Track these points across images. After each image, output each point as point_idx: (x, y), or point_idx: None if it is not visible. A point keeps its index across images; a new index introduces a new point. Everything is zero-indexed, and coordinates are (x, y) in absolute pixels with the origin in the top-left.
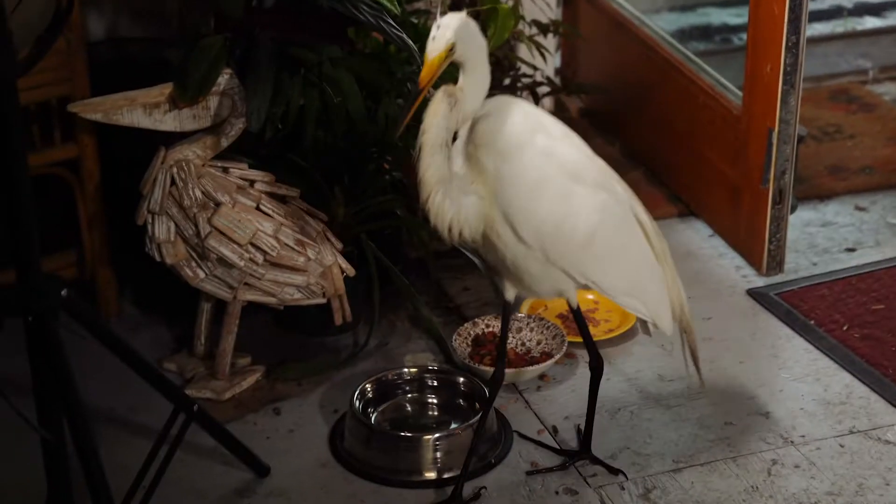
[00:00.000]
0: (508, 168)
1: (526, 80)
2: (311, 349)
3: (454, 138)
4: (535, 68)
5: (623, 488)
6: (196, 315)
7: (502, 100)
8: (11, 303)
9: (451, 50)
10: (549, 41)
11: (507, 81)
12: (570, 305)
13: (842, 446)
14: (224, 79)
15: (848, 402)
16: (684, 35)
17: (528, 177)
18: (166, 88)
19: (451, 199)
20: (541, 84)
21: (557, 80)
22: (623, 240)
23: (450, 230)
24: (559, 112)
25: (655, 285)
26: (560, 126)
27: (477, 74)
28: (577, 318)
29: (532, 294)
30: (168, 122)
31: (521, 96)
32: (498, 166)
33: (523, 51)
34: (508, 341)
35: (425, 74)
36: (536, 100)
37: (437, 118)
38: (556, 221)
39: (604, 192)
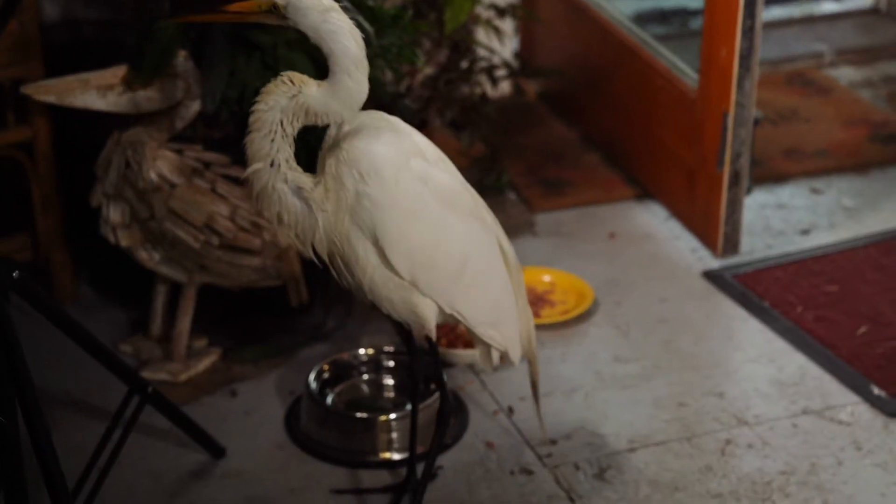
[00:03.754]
0: (379, 192)
1: (483, 64)
2: (267, 331)
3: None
4: (492, 51)
5: (578, 468)
6: (152, 297)
7: (376, 117)
8: None
9: (274, 8)
10: (507, 24)
11: (464, 64)
12: (428, 335)
13: (795, 426)
14: (179, 61)
15: (801, 383)
16: (642, 18)
17: (402, 203)
18: (120, 71)
19: (275, 187)
20: (498, 67)
21: (515, 64)
22: (490, 270)
23: (280, 221)
24: (517, 95)
25: (511, 316)
26: (434, 150)
27: (336, 78)
28: (433, 349)
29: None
30: (122, 104)
31: (478, 79)
32: (359, 188)
33: (481, 34)
34: None
35: (233, 7)
36: (494, 83)
37: (269, 96)
38: (430, 250)
39: (475, 220)
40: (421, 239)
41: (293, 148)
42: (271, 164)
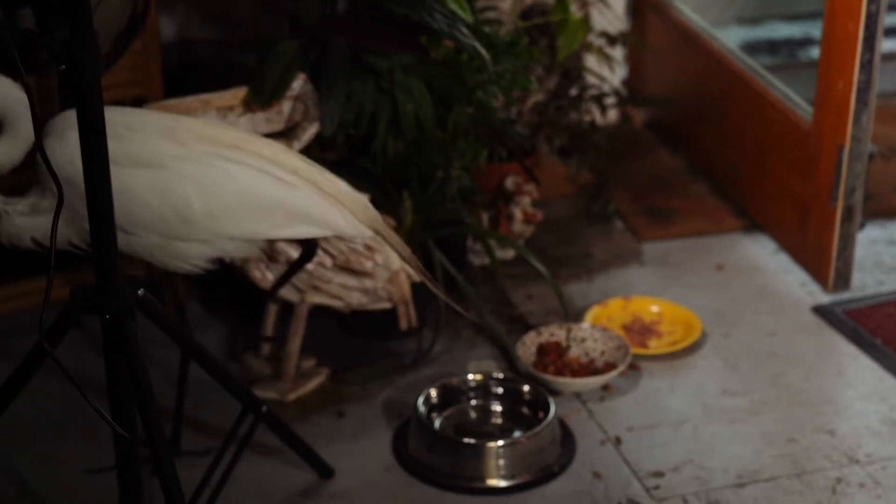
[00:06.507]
0: (77, 188)
1: (593, 91)
2: (375, 353)
3: None
4: (602, 79)
5: (686, 501)
6: (263, 316)
7: (58, 120)
8: (90, 301)
9: None
10: (617, 52)
11: (574, 91)
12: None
13: None
14: (298, 83)
15: None
16: (750, 48)
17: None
18: (240, 92)
19: (15, 225)
20: (607, 95)
21: (624, 91)
22: (234, 189)
23: (39, 244)
24: (624, 123)
25: (305, 202)
26: (124, 119)
27: (16, 130)
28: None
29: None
30: (241, 125)
31: (587, 107)
32: (64, 190)
33: (590, 61)
34: (572, 351)
35: None
36: (603, 110)
37: None
38: (146, 209)
39: (186, 162)
40: (127, 205)
41: None
42: None
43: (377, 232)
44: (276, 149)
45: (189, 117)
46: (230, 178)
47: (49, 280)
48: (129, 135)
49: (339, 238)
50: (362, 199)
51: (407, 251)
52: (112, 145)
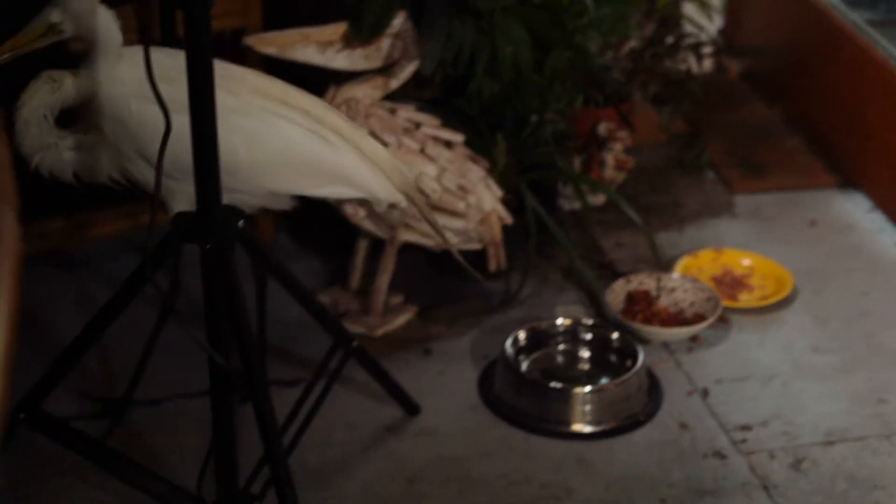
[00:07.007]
0: (125, 126)
1: (690, 40)
2: (462, 293)
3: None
4: (699, 27)
5: (773, 457)
6: (353, 251)
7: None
8: (191, 231)
9: (53, 28)
10: (715, 0)
11: (670, 39)
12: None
13: None
14: (398, 21)
15: None
16: (852, 1)
17: (148, 126)
18: (340, 27)
19: (61, 159)
20: (704, 44)
21: (721, 41)
22: (281, 145)
23: (78, 178)
24: (718, 73)
25: (346, 163)
26: (177, 62)
27: (100, 64)
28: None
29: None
30: (340, 60)
31: (683, 55)
32: (113, 128)
33: (689, 9)
34: (661, 300)
35: (7, 45)
36: (699, 59)
37: (32, 99)
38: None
39: (238, 114)
40: (176, 150)
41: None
42: (48, 148)
43: (410, 199)
44: (321, 107)
45: (241, 67)
46: (278, 134)
47: (153, 211)
48: (180, 79)
49: (372, 201)
50: (399, 165)
51: (433, 216)
52: (165, 89)
